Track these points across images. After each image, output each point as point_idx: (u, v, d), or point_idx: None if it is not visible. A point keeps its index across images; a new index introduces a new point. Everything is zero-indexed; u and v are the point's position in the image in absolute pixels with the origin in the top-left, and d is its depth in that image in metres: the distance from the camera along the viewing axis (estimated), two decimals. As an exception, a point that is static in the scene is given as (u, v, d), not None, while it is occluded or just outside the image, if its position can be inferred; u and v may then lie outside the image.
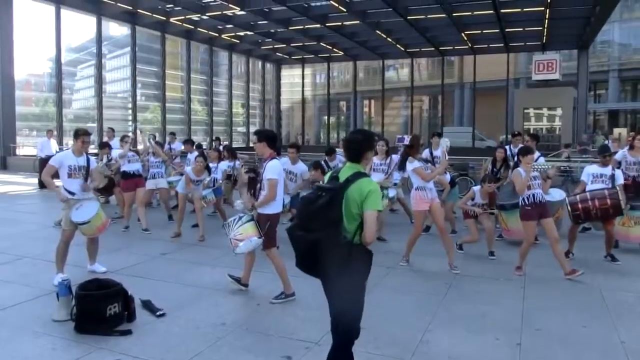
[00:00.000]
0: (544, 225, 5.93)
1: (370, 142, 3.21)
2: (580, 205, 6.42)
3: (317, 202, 2.96)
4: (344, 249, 2.98)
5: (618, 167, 7.24)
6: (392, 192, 8.29)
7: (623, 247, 7.32)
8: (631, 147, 7.80)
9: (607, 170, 6.70)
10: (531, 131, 25.64)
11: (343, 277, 3.00)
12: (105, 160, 9.25)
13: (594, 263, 6.54)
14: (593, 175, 6.74)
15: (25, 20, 25.53)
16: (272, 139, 5.24)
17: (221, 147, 12.13)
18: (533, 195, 5.91)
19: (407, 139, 7.68)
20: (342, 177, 3.09)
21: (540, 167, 6.22)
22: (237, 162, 9.70)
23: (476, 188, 7.08)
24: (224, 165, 8.74)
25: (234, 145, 19.17)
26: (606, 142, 15.99)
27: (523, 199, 5.96)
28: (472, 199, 7.03)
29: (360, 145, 3.15)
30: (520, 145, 7.23)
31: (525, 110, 25.35)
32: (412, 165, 6.35)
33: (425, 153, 8.80)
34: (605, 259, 6.61)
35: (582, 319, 4.64)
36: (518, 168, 6.03)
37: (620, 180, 6.74)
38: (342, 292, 3.05)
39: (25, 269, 6.21)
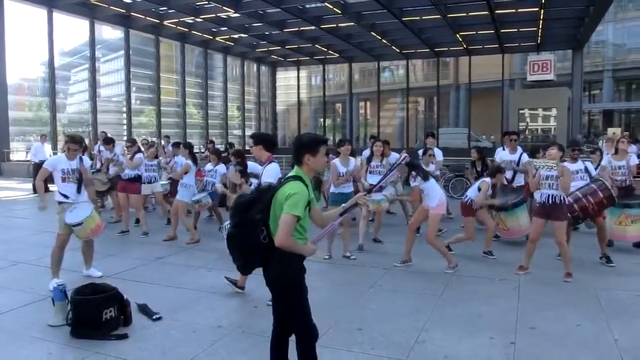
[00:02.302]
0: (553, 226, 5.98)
1: (311, 146, 3.14)
2: (576, 206, 6.42)
3: (240, 200, 3.13)
4: (259, 248, 3.01)
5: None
6: (389, 189, 8.30)
7: (617, 246, 7.35)
8: (615, 152, 7.53)
9: (580, 165, 6.89)
10: (526, 131, 25.87)
11: (268, 274, 3.10)
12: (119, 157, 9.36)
13: (589, 262, 6.57)
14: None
15: (17, 24, 25.50)
16: (268, 142, 5.23)
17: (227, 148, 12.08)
18: (542, 194, 5.95)
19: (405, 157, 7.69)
20: (285, 179, 3.17)
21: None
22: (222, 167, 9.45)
23: (488, 179, 6.92)
24: (223, 168, 8.72)
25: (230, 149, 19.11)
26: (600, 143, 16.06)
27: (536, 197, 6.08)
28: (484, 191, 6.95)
29: (299, 148, 3.15)
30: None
31: (520, 111, 25.44)
32: (415, 182, 6.43)
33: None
34: (600, 260, 6.59)
35: (576, 318, 4.66)
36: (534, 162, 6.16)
37: (593, 172, 6.99)
38: (275, 290, 3.16)
39: (21, 274, 6.20)
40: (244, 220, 3.02)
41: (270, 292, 3.22)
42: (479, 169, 8.46)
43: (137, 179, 8.68)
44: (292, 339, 3.21)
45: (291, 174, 3.16)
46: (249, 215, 3.01)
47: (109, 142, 9.92)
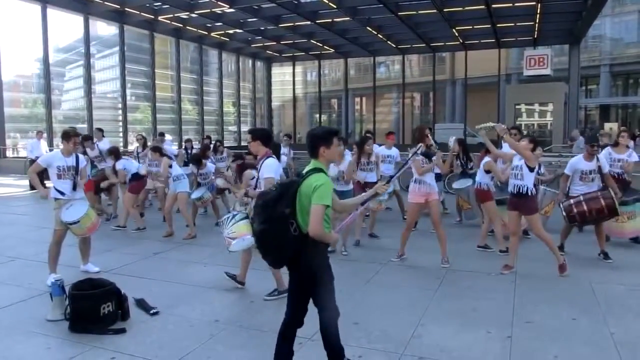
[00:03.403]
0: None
1: (326, 138, 3.27)
2: (575, 209, 6.37)
3: (266, 196, 3.21)
4: (292, 242, 3.12)
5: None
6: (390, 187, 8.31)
7: (613, 241, 7.39)
8: (615, 144, 7.53)
9: (594, 165, 6.59)
10: (522, 127, 25.90)
11: (298, 266, 3.23)
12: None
13: (585, 257, 6.60)
14: (582, 172, 6.64)
15: (11, 21, 25.31)
16: (265, 137, 5.24)
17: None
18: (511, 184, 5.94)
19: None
20: (305, 172, 3.27)
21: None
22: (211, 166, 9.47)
23: (488, 158, 6.93)
24: (221, 164, 8.79)
25: (225, 145, 18.98)
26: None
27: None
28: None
29: (315, 141, 3.27)
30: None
31: (517, 106, 25.47)
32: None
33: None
34: (598, 257, 6.57)
35: (572, 312, 4.69)
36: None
37: (606, 168, 6.72)
38: (299, 279, 3.29)
39: (18, 270, 6.21)
40: (274, 216, 3.11)
41: (293, 285, 3.35)
42: (463, 160, 8.47)
43: (137, 178, 8.69)
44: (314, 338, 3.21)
45: (310, 167, 3.27)
46: (277, 210, 3.11)
47: (87, 139, 9.95)
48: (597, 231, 6.68)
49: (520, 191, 5.77)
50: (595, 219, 6.45)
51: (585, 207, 6.33)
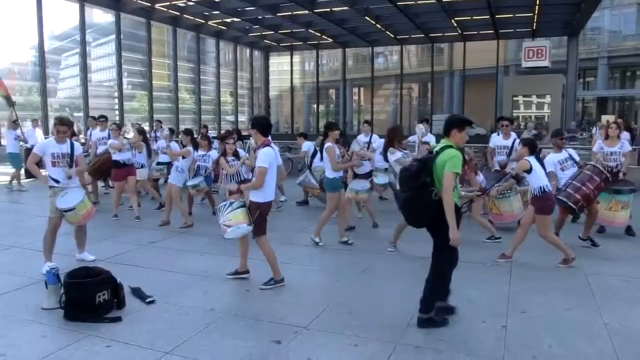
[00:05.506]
0: None
1: (460, 123, 4.08)
2: (578, 195, 6.37)
3: (410, 169, 4.08)
4: (432, 205, 3.92)
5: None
6: (383, 179, 8.33)
7: (608, 232, 7.42)
8: (606, 137, 7.54)
9: (565, 154, 6.80)
10: (519, 118, 25.90)
11: (436, 225, 4.00)
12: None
13: (579, 248, 6.62)
14: (560, 162, 6.74)
15: (6, 8, 25.08)
16: (263, 126, 5.20)
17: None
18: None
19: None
20: (437, 149, 4.06)
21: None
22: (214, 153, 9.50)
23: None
24: (215, 153, 8.73)
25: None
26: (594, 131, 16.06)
27: None
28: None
29: (450, 124, 4.09)
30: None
31: (514, 98, 25.41)
32: (393, 156, 6.61)
33: (413, 138, 9.04)
34: (584, 242, 6.64)
35: (566, 302, 4.72)
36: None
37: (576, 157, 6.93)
38: (436, 235, 4.10)
39: (14, 258, 6.20)
40: (418, 184, 3.93)
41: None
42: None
43: (118, 166, 8.69)
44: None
45: (443, 144, 4.06)
46: (420, 179, 3.92)
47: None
48: (588, 220, 6.77)
49: (532, 192, 5.87)
50: (596, 196, 6.57)
51: (586, 190, 6.37)
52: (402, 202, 4.10)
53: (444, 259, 4.15)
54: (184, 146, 8.55)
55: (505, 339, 3.97)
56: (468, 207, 7.49)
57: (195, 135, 9.45)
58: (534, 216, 5.93)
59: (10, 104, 12.89)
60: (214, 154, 8.67)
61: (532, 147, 6.04)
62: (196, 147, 8.63)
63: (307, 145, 9.95)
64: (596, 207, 6.77)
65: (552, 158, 6.80)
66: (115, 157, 8.62)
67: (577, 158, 6.94)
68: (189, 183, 8.33)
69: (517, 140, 8.06)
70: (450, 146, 4.00)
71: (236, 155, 7.95)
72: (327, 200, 6.99)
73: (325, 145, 6.75)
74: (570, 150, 7.19)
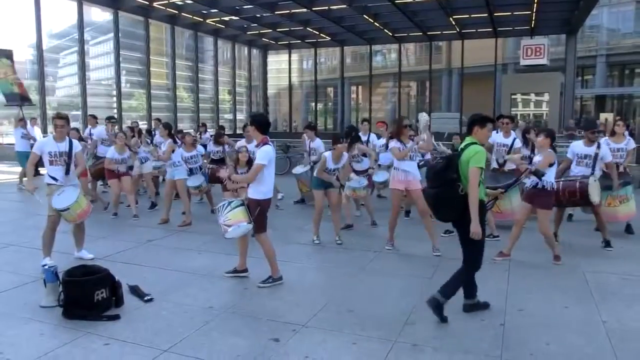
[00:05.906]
0: None
1: (481, 121, 4.27)
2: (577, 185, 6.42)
3: (436, 167, 4.27)
4: (459, 200, 4.05)
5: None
6: (382, 177, 8.33)
7: (608, 230, 7.42)
8: (612, 134, 7.56)
9: (592, 150, 6.67)
10: (518, 116, 25.92)
11: (463, 221, 4.10)
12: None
13: (578, 246, 6.64)
14: (578, 156, 6.75)
15: (4, 6, 25.00)
16: (261, 124, 5.19)
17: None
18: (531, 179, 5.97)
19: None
20: (461, 146, 4.24)
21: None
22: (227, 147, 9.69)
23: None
24: (201, 149, 8.77)
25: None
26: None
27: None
28: None
29: (471, 122, 4.32)
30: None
31: (513, 96, 25.39)
32: (390, 144, 6.53)
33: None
34: (601, 245, 6.64)
35: (564, 300, 4.73)
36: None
37: (608, 157, 6.78)
38: (463, 231, 4.20)
39: (12, 256, 6.19)
40: (445, 180, 4.08)
41: (460, 239, 4.33)
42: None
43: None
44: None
45: (467, 142, 4.22)
46: (447, 175, 4.07)
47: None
48: (598, 223, 6.80)
49: (538, 186, 5.79)
50: (568, 201, 6.59)
51: (560, 187, 6.38)
52: (430, 197, 4.24)
53: (474, 250, 4.29)
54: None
55: (503, 336, 3.98)
56: (493, 203, 7.51)
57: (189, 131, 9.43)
58: (527, 212, 5.93)
59: (26, 102, 13.02)
60: (200, 149, 8.72)
61: (554, 138, 5.95)
62: (175, 141, 8.50)
63: (319, 144, 9.08)
64: (597, 208, 6.75)
65: (575, 148, 6.81)
66: (109, 155, 8.58)
67: (608, 158, 6.76)
68: (190, 184, 8.34)
69: (517, 140, 8.06)
70: (474, 143, 4.18)
71: (250, 164, 7.79)
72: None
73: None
74: (604, 148, 6.84)
